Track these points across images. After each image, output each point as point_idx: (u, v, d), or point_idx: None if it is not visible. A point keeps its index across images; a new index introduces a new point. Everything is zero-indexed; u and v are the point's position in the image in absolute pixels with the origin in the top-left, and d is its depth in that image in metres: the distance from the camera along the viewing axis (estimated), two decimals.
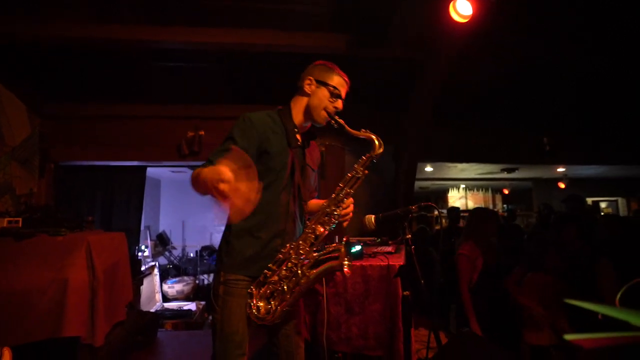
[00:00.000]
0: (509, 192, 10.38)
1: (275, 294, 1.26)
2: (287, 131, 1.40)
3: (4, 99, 3.33)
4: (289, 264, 1.27)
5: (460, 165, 7.06)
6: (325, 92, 1.42)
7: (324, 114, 1.42)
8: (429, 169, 7.17)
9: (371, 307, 1.73)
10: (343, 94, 1.46)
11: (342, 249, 1.22)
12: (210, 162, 1.21)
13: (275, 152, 1.35)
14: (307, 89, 1.44)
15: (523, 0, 2.68)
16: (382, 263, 1.77)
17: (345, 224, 1.37)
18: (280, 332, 1.38)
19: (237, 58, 3.39)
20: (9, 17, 2.73)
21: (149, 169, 4.47)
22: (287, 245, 1.30)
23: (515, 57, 3.60)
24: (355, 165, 1.35)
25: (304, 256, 1.27)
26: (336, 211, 1.32)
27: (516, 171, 7.59)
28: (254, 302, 1.27)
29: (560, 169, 7.66)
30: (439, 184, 9.63)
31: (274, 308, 1.25)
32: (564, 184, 8.48)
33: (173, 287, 5.44)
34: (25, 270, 2.03)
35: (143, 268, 4.39)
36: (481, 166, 7.19)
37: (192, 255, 6.92)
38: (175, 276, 5.92)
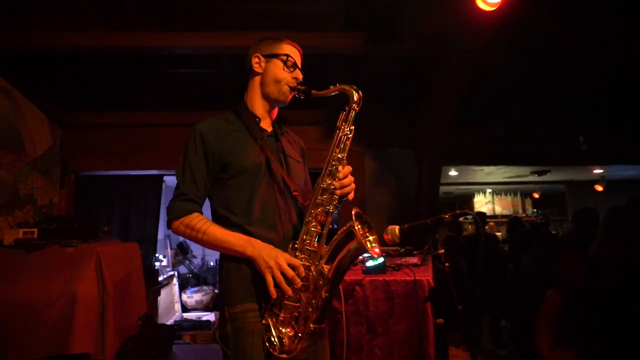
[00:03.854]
0: (539, 196, 9.84)
1: (296, 314, 1.04)
2: (247, 125, 1.22)
3: (25, 110, 3.39)
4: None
5: (486, 169, 6.71)
6: (277, 63, 1.24)
7: (284, 87, 1.23)
8: (453, 173, 6.86)
9: (396, 328, 1.55)
10: (299, 63, 1.28)
11: (356, 224, 0.99)
12: (184, 199, 1.13)
13: (239, 153, 1.16)
14: (256, 67, 1.26)
15: None
16: (407, 277, 1.58)
17: (350, 196, 1.14)
18: None
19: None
20: (25, 29, 2.77)
21: (169, 178, 4.45)
22: (289, 246, 1.10)
23: (547, 50, 3.34)
24: (338, 124, 1.15)
25: (315, 254, 1.06)
26: (333, 184, 1.10)
27: (548, 174, 7.15)
28: (274, 333, 1.03)
29: (597, 171, 7.16)
30: (464, 189, 9.23)
31: (300, 333, 1.02)
32: (602, 186, 7.93)
33: (192, 297, 5.38)
34: (34, 283, 1.98)
35: (161, 278, 4.34)
36: (509, 169, 6.81)
37: (212, 264, 6.87)
38: (194, 285, 5.87)
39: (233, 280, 1.11)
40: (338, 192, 1.11)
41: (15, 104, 3.28)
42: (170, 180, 4.92)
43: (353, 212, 1.03)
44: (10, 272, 2.01)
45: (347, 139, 1.14)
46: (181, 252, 6.50)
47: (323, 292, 1.02)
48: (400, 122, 4.05)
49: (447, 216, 0.98)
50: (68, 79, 3.47)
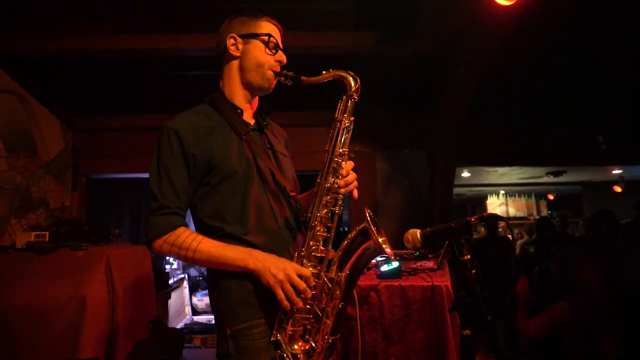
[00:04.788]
0: (554, 198, 9.60)
1: (309, 326, 0.96)
2: (228, 118, 1.07)
3: (38, 114, 3.42)
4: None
5: (500, 170, 6.57)
6: (258, 45, 1.09)
7: (268, 73, 1.09)
8: (465, 174, 6.73)
9: (413, 336, 1.48)
10: (281, 43, 1.14)
11: (370, 225, 0.93)
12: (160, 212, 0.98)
13: (225, 153, 1.02)
14: (233, 50, 1.10)
15: None
16: (424, 283, 1.51)
17: (355, 193, 1.05)
18: None
19: None
20: (38, 34, 2.79)
21: None
22: (295, 255, 1.00)
23: (563, 47, 3.24)
24: (336, 115, 1.05)
25: (324, 260, 0.99)
26: (337, 182, 1.01)
27: (564, 174, 6.97)
28: (286, 350, 0.94)
29: (616, 171, 6.95)
30: (477, 191, 9.07)
31: (318, 347, 0.94)
32: (620, 187, 7.69)
33: (202, 299, 5.36)
34: (44, 286, 1.97)
35: (171, 281, 4.34)
36: (524, 170, 6.66)
37: None
38: (205, 288, 5.87)
39: (235, 298, 0.98)
40: (342, 190, 1.03)
41: (28, 108, 3.31)
42: None
43: (367, 213, 0.98)
44: (22, 275, 2.01)
45: (348, 131, 1.05)
46: None
47: (337, 302, 0.95)
48: (411, 122, 3.97)
49: (473, 219, 0.92)
50: (79, 83, 3.49)
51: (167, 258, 4.60)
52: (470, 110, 3.43)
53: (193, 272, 6.32)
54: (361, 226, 0.97)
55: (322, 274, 0.98)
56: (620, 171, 6.93)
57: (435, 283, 1.49)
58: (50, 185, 3.60)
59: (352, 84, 1.06)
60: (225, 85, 1.14)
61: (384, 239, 0.96)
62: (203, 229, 1.03)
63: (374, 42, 2.85)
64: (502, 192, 9.33)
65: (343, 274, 0.97)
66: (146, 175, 3.74)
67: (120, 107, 3.81)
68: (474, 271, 0.84)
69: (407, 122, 3.97)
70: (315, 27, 2.82)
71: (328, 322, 0.95)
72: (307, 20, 2.77)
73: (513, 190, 9.19)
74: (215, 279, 1.02)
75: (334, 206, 1.01)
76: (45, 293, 1.94)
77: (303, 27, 2.82)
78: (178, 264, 5.37)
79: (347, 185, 1.03)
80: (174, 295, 4.32)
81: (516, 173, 7.00)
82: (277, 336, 0.95)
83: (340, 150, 1.03)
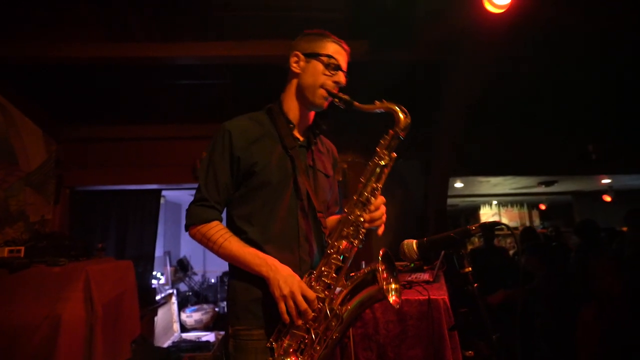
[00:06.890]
0: (546, 208, 9.65)
1: (302, 346, 0.97)
2: (279, 131, 1.11)
3: (19, 124, 3.31)
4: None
5: (493, 180, 6.58)
6: (317, 65, 1.12)
7: (321, 92, 1.11)
8: (458, 184, 6.72)
9: (409, 353, 1.39)
10: (343, 65, 1.15)
11: (380, 268, 0.92)
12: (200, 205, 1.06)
13: (266, 163, 1.07)
14: (294, 67, 1.15)
15: None
16: (420, 297, 1.43)
17: (380, 230, 1.07)
18: None
19: (251, 72, 3.24)
20: (23, 41, 2.71)
21: (169, 193, 4.33)
22: (305, 275, 1.02)
23: (554, 57, 3.26)
24: (378, 149, 1.04)
25: (332, 288, 0.99)
26: (363, 216, 1.01)
27: (555, 184, 7.01)
28: (279, 359, 0.96)
29: (606, 181, 7.01)
30: (469, 201, 9.07)
31: None
32: (610, 196, 7.76)
33: (191, 316, 5.19)
34: (17, 305, 1.84)
35: (158, 297, 4.18)
36: (516, 180, 6.68)
37: (213, 281, 6.68)
38: (195, 304, 5.68)
39: (239, 303, 1.05)
40: (366, 225, 1.03)
41: (8, 117, 3.19)
42: (170, 195, 4.79)
43: (380, 253, 0.96)
44: None
45: (386, 167, 1.04)
46: (181, 269, 6.31)
47: (334, 333, 0.95)
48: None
49: (474, 228, 0.85)
50: (65, 93, 3.40)
51: (154, 273, 4.44)
52: (465, 120, 3.42)
53: (182, 287, 6.14)
54: (373, 267, 0.96)
55: (327, 300, 0.99)
56: (609, 180, 7.00)
57: (432, 297, 1.41)
58: (30, 198, 3.46)
59: (402, 119, 1.04)
60: (284, 98, 1.19)
61: (397, 286, 0.97)
62: (232, 226, 1.10)
63: (369, 49, 2.83)
64: (494, 202, 9.35)
65: (344, 308, 0.97)
66: (132, 187, 3.62)
67: (106, 117, 3.72)
68: (476, 285, 0.77)
69: None
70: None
71: (318, 348, 0.95)
72: (300, 28, 2.74)
73: (506, 200, 9.22)
74: (229, 278, 1.10)
75: (354, 239, 1.01)
76: (18, 313, 1.81)
77: (296, 35, 2.79)
78: (166, 279, 5.20)
79: (372, 220, 1.04)
80: (161, 311, 4.16)
81: (509, 183, 7.02)
82: (273, 344, 0.98)
83: (374, 185, 1.03)
